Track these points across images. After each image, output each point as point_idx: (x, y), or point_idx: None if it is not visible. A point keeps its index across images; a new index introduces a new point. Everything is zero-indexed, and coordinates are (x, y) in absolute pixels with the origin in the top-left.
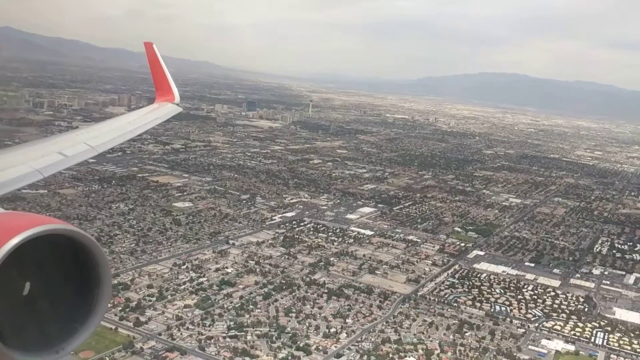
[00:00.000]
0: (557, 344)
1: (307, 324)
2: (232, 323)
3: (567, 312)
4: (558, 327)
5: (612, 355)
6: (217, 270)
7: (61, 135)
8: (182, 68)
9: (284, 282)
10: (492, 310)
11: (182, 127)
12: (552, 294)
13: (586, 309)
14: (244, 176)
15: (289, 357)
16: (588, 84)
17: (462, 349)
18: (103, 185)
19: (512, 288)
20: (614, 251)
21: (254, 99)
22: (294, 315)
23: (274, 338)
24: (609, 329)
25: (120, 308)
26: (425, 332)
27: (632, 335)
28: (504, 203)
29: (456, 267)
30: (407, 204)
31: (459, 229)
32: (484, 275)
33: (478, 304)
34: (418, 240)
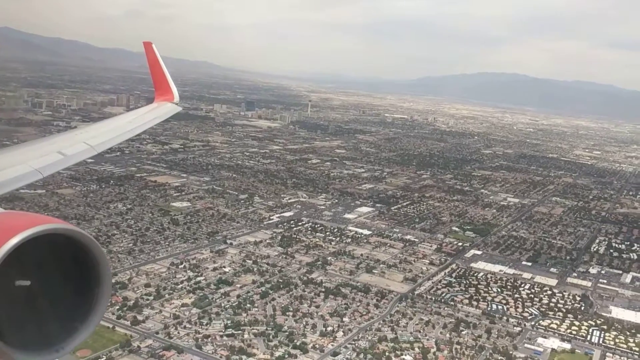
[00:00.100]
0: (553, 343)
1: (304, 323)
2: (229, 322)
3: (564, 310)
4: (554, 326)
5: (607, 354)
6: (214, 269)
7: (60, 134)
8: (181, 68)
9: (281, 281)
10: (488, 309)
11: (180, 127)
12: (549, 292)
13: (583, 308)
14: (242, 176)
15: (286, 356)
16: (587, 84)
17: (459, 347)
18: (101, 185)
19: (509, 287)
20: (611, 250)
21: (252, 99)
22: (291, 314)
23: (270, 336)
24: (605, 327)
25: (117, 307)
26: (421, 331)
27: (628, 333)
28: (502, 202)
29: (453, 266)
30: (405, 204)
31: (457, 229)
32: (481, 274)
33: (475, 303)
34: (416, 239)
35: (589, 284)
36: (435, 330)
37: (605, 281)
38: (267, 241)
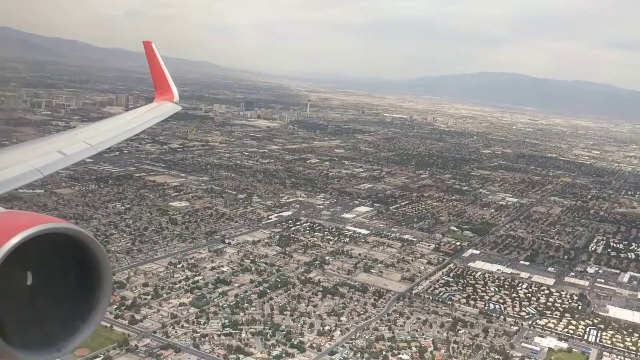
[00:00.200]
0: (550, 342)
1: (302, 322)
2: (226, 321)
3: (561, 310)
4: (551, 325)
5: (604, 353)
6: (212, 268)
7: (60, 134)
8: (181, 68)
9: (279, 280)
10: (486, 308)
11: (180, 126)
12: (547, 292)
13: (580, 307)
14: (241, 176)
15: (283, 355)
16: (587, 84)
17: (456, 346)
18: (100, 185)
19: (506, 286)
20: (609, 250)
21: (252, 99)
22: (288, 313)
23: (268, 336)
24: (602, 326)
25: (115, 306)
26: (419, 330)
27: (624, 332)
28: (500, 202)
29: (451, 265)
30: (403, 203)
31: (455, 228)
32: (479, 273)
33: (472, 302)
34: (414, 239)
35: (587, 283)
36: (432, 329)
37: (602, 280)
38: (266, 241)
